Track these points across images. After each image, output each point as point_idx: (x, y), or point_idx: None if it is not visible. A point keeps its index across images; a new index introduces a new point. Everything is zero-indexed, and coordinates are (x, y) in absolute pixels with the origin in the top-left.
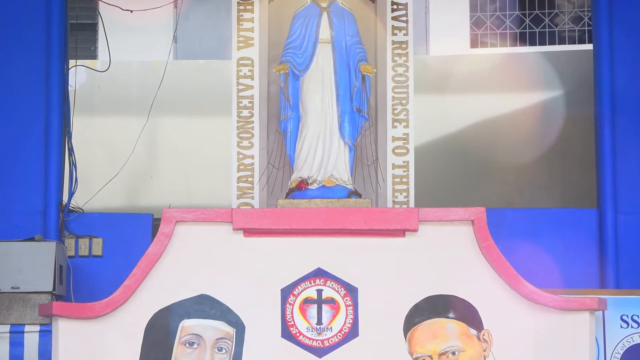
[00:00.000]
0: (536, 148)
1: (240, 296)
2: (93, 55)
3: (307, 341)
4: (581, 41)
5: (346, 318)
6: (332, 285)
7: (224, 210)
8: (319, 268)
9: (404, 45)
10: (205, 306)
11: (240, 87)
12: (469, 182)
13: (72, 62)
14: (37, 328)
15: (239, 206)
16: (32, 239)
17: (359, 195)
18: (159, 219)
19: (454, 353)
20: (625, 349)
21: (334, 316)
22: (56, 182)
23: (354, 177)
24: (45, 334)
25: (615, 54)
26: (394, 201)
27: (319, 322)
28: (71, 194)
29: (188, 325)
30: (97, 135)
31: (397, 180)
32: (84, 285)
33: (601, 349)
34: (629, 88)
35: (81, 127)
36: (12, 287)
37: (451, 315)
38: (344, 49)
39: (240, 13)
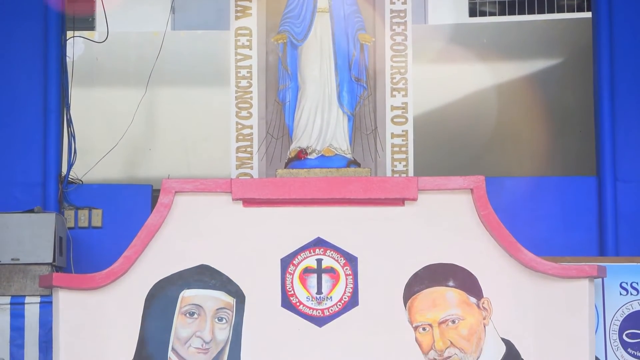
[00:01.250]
0: (535, 116)
1: (240, 266)
2: (91, 27)
3: (307, 310)
4: (580, 9)
5: (346, 287)
6: (332, 254)
7: (223, 180)
8: (318, 237)
9: (402, 14)
10: (205, 276)
11: (239, 57)
12: (468, 151)
13: (69, 34)
14: (38, 299)
15: (238, 176)
16: (31, 211)
17: (358, 165)
18: (159, 190)
19: (453, 321)
20: (624, 316)
21: (333, 285)
22: (55, 154)
23: (353, 146)
24: (46, 305)
25: (614, 22)
26: (393, 170)
27: (319, 291)
28: (70, 166)
29: (188, 296)
30: (95, 106)
31: (396, 149)
32: (84, 257)
33: (600, 316)
34: (628, 56)
35: (79, 98)
36: (12, 259)
37: (451, 283)
38: (342, 18)
39: None
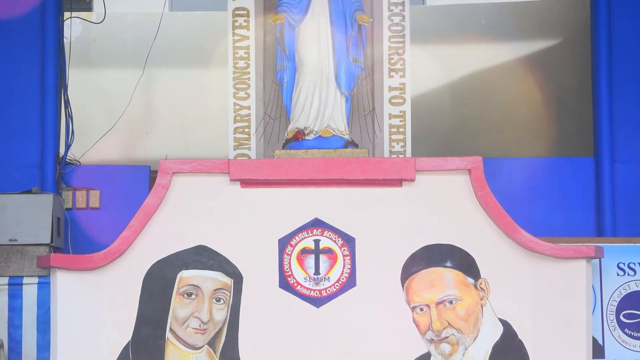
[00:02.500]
0: (533, 97)
1: (238, 247)
2: (88, 8)
3: (304, 291)
4: None
5: (343, 268)
6: (330, 235)
7: (221, 161)
8: (316, 218)
9: None
10: (203, 257)
11: (236, 37)
12: (466, 132)
13: (67, 15)
14: (36, 280)
15: (236, 157)
16: (29, 192)
17: (356, 146)
18: (156, 171)
19: (451, 302)
20: (621, 296)
21: (331, 266)
22: (53, 135)
23: (351, 127)
24: (44, 286)
25: (612, 3)
26: (390, 151)
27: (317, 272)
28: (68, 147)
29: (186, 276)
30: (93, 87)
31: (394, 130)
32: (82, 237)
33: (598, 296)
34: (625, 36)
35: (77, 79)
36: (10, 240)
37: (448, 264)
38: None
39: None
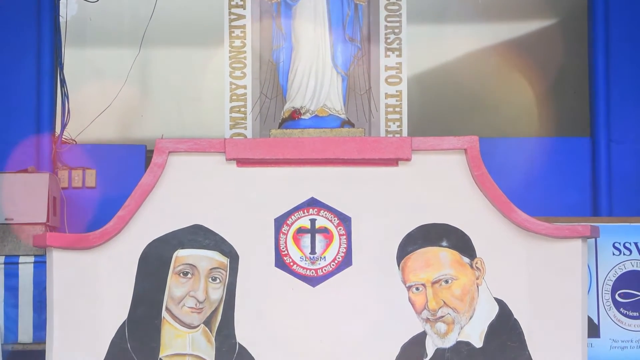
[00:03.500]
0: (530, 77)
1: (234, 226)
2: None
3: (300, 270)
4: None
5: (339, 247)
6: (326, 214)
7: (217, 140)
8: (312, 198)
9: None
10: (198, 236)
11: (233, 17)
12: (462, 111)
13: None
14: (32, 259)
15: (232, 136)
16: (25, 171)
17: (352, 125)
18: (152, 151)
19: (447, 281)
20: (617, 276)
21: (327, 245)
22: (48, 114)
23: (347, 106)
24: (40, 265)
25: None
26: (386, 131)
27: (313, 251)
28: (64, 126)
29: (182, 255)
30: (89, 66)
31: (390, 109)
32: (78, 217)
33: (593, 276)
34: (622, 16)
35: (73, 58)
36: (6, 219)
37: (444, 243)
38: None
39: None
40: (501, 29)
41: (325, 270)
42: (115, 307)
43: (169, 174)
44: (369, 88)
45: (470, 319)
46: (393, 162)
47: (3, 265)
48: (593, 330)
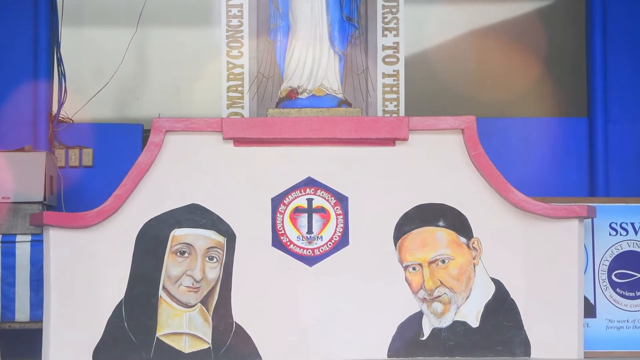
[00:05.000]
0: (527, 57)
1: (231, 205)
2: None
3: (297, 250)
4: None
5: (336, 227)
6: (323, 194)
7: (214, 119)
8: (309, 177)
9: None
10: (196, 215)
11: None
12: (460, 91)
13: None
14: (29, 238)
15: (229, 116)
16: (22, 150)
17: (349, 105)
18: (149, 130)
19: (443, 261)
20: (613, 256)
21: (324, 225)
22: (45, 93)
23: (344, 86)
24: (37, 244)
25: None
26: (384, 110)
27: (310, 231)
28: (60, 105)
29: (179, 235)
30: (86, 45)
31: (388, 89)
32: (75, 196)
33: (590, 256)
34: None
35: (70, 37)
36: (3, 197)
37: (441, 223)
38: None
39: None
40: (499, 8)
41: (322, 250)
42: (112, 286)
43: (165, 153)
44: (366, 67)
45: (466, 298)
46: (390, 141)
47: (0, 244)
48: (589, 310)
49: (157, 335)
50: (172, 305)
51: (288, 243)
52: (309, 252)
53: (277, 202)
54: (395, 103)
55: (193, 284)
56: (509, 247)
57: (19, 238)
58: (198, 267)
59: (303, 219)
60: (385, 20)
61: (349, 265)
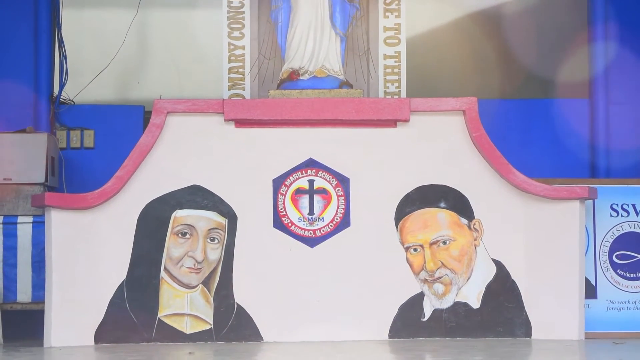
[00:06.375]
0: (529, 39)
1: (232, 187)
2: None
3: (299, 231)
4: None
5: (338, 208)
6: (324, 175)
7: (216, 100)
8: (310, 158)
9: None
10: (197, 197)
11: None
12: (461, 72)
13: None
14: (30, 219)
15: (230, 97)
16: (23, 131)
17: (350, 86)
18: (150, 111)
19: (445, 242)
20: (614, 237)
21: (325, 206)
22: (46, 74)
23: (345, 67)
24: (38, 225)
25: None
26: (385, 92)
27: (311, 212)
28: (62, 86)
29: (180, 216)
30: (87, 27)
31: (389, 70)
32: (76, 177)
33: (591, 237)
34: None
35: (71, 18)
36: (4, 179)
37: (442, 204)
38: None
39: None
40: None
41: (323, 231)
42: (113, 267)
43: (167, 135)
44: (367, 49)
45: (467, 280)
46: (391, 123)
47: (2, 226)
48: (590, 291)
49: (158, 316)
50: (174, 286)
51: (289, 224)
52: (310, 233)
53: (278, 183)
54: (396, 84)
55: (194, 265)
56: (510, 229)
57: (20, 219)
58: (199, 248)
59: (304, 200)
60: (387, 1)
61: (350, 247)
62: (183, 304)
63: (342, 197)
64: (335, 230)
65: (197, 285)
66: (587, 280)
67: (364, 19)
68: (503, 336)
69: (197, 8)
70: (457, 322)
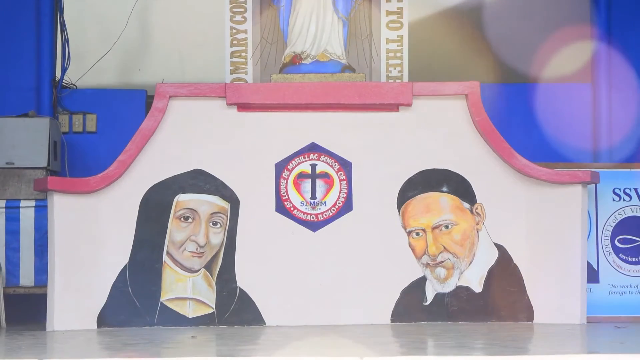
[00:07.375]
0: (532, 23)
1: (235, 171)
2: None
3: (301, 215)
4: None
5: (340, 192)
6: (326, 159)
7: (218, 85)
8: (312, 143)
9: None
10: (199, 181)
11: None
12: (464, 57)
13: None
14: (33, 203)
15: (233, 81)
16: (25, 115)
17: (353, 70)
18: (153, 96)
19: (447, 226)
20: (617, 221)
21: (327, 190)
22: (49, 58)
23: (348, 51)
24: (41, 209)
25: None
26: (387, 76)
27: (313, 196)
28: (64, 70)
29: (183, 200)
30: (89, 11)
31: (391, 54)
32: (78, 161)
33: (593, 221)
34: None
35: (73, 3)
36: (7, 163)
37: (444, 189)
38: None
39: None
40: None
41: (325, 215)
42: (116, 251)
43: (169, 119)
44: (369, 33)
45: (470, 264)
46: (394, 107)
47: (4, 210)
48: (592, 275)
49: (161, 300)
50: (176, 270)
51: (292, 208)
52: (313, 217)
53: (280, 167)
54: (399, 68)
55: (197, 249)
56: (513, 213)
57: (23, 203)
58: (202, 232)
59: (307, 184)
60: None
61: (352, 231)
62: (185, 288)
63: (345, 182)
64: (337, 215)
65: (199, 270)
66: (589, 265)
67: (366, 2)
68: (505, 320)
69: None
70: (459, 306)
